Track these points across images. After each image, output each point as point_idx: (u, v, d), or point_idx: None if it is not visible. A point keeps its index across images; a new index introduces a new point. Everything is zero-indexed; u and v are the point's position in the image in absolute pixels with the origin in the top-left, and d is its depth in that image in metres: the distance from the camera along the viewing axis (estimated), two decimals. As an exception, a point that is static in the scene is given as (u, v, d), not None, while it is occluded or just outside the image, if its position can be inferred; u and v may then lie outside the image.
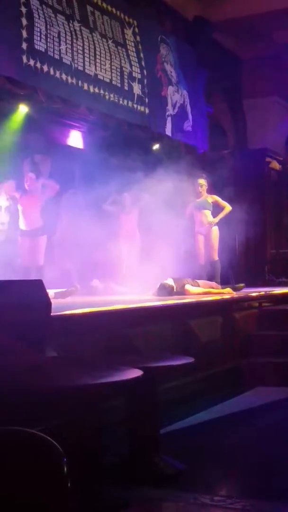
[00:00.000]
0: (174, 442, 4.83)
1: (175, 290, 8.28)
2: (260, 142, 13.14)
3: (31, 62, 7.54)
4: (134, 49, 9.52)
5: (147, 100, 9.73)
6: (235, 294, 8.58)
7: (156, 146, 10.55)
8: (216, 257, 9.88)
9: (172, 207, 9.61)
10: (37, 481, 2.42)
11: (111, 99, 8.92)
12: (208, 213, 9.90)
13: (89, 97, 8.53)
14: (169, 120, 10.41)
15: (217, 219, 9.89)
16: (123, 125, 9.42)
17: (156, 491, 3.94)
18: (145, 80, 9.71)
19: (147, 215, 10.20)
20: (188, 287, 8.41)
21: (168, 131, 10.39)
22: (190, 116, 11.00)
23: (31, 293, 4.28)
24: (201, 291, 8.49)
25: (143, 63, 9.68)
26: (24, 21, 7.43)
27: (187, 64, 10.99)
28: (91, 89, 8.55)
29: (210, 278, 9.52)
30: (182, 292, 8.35)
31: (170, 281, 8.33)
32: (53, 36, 7.88)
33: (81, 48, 8.36)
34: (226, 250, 10.50)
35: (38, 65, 7.64)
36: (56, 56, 7.94)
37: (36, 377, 3.64)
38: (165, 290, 8.20)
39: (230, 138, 13.61)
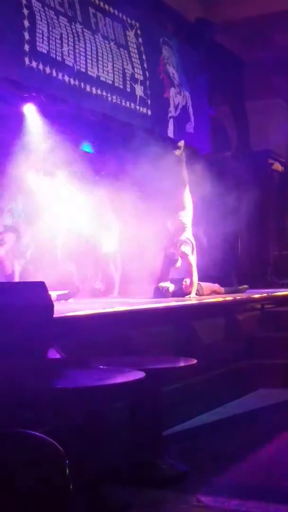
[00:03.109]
0: (177, 444, 4.82)
1: (170, 291, 8.17)
2: (263, 144, 13.12)
3: (34, 64, 7.55)
4: (136, 51, 9.52)
5: (149, 101, 9.73)
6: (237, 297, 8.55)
7: (158, 148, 10.47)
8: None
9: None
10: (39, 482, 2.42)
11: (114, 100, 8.92)
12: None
13: (91, 98, 8.53)
14: (171, 122, 10.40)
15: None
16: (125, 127, 9.41)
17: (158, 493, 3.93)
18: (148, 82, 9.71)
19: (148, 216, 10.17)
20: (186, 281, 8.29)
21: (170, 132, 10.38)
22: (192, 118, 11.00)
23: (33, 295, 4.27)
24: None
25: (145, 65, 9.69)
26: (26, 23, 7.44)
27: (189, 66, 10.99)
28: (94, 91, 8.56)
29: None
30: (181, 291, 8.24)
31: (166, 283, 8.23)
32: (55, 38, 7.89)
33: (83, 50, 8.37)
34: (229, 251, 10.46)
35: (41, 66, 7.65)
36: (59, 58, 7.94)
37: (38, 379, 3.63)
38: (160, 292, 8.10)
39: (233, 140, 13.58)
